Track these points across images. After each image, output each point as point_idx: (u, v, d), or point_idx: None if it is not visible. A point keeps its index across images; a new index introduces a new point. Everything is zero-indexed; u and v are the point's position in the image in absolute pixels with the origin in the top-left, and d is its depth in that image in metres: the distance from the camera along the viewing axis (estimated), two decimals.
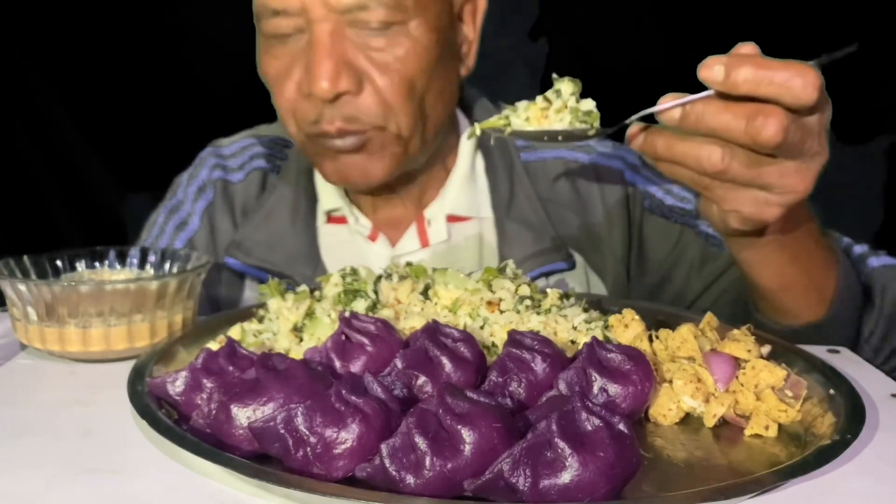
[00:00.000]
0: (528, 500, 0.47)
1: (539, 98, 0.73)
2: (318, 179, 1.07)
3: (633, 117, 0.70)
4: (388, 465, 0.48)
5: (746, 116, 0.63)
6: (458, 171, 1.05)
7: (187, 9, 2.14)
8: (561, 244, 1.04)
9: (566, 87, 0.72)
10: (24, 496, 0.50)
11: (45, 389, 0.69)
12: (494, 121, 0.75)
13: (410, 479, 0.48)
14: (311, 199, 1.06)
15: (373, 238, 1.05)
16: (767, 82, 0.62)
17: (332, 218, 1.07)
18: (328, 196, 1.05)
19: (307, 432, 0.50)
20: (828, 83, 0.64)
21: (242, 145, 1.14)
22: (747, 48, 0.66)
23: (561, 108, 0.72)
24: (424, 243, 1.04)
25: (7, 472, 0.53)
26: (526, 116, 0.73)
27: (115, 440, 0.58)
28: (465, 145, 1.06)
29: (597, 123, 0.71)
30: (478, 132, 0.75)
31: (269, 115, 1.18)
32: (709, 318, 0.73)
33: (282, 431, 0.51)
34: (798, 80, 0.62)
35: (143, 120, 2.20)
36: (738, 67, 0.62)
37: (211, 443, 0.53)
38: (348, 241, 1.06)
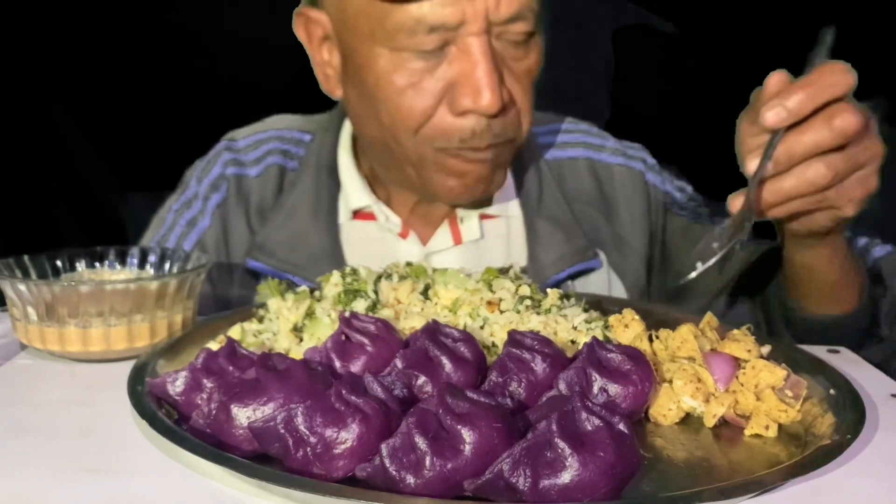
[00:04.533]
0: (528, 500, 0.47)
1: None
2: (344, 176, 1.05)
3: (724, 247, 0.72)
4: (388, 465, 0.48)
5: (826, 127, 0.70)
6: None
7: (188, 8, 2.14)
8: (589, 244, 1.05)
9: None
10: (24, 496, 0.50)
11: (45, 389, 0.69)
12: None
13: (410, 479, 0.48)
14: (333, 195, 1.04)
15: (403, 235, 1.04)
16: (819, 93, 0.70)
17: (357, 214, 1.05)
18: (356, 193, 1.03)
19: (307, 432, 0.50)
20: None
21: (258, 139, 1.11)
22: (777, 77, 0.73)
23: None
24: (457, 241, 1.04)
25: (7, 472, 0.53)
26: None
27: (115, 440, 0.58)
28: None
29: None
30: None
31: (270, 113, 1.19)
32: (709, 318, 0.73)
33: (282, 431, 0.51)
34: (835, 76, 0.70)
35: (144, 119, 2.20)
36: (789, 101, 0.70)
37: (211, 443, 0.53)
38: (377, 238, 1.04)
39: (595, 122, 1.19)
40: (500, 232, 1.05)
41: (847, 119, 0.70)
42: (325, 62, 0.97)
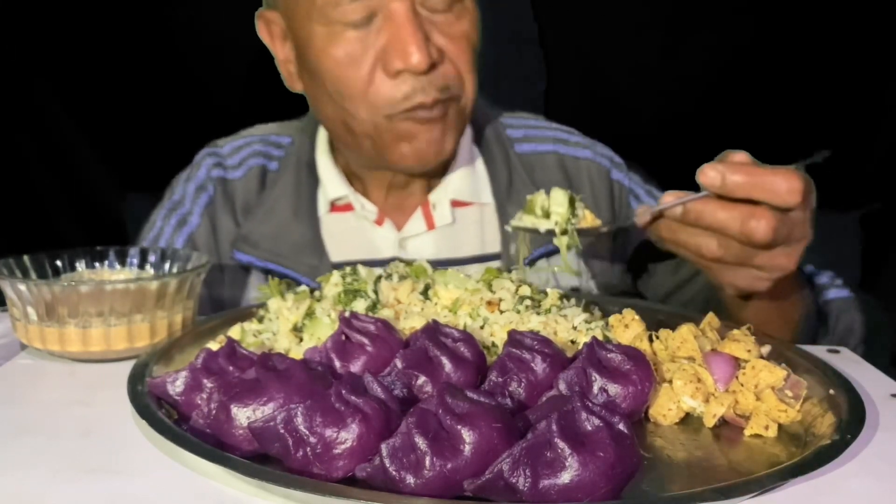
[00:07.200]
0: (528, 500, 0.47)
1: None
2: (322, 171, 1.10)
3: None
4: (388, 465, 0.48)
5: (741, 219, 0.72)
6: (461, 159, 1.10)
7: (187, 8, 2.14)
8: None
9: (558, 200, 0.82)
10: (24, 496, 0.50)
11: (45, 389, 0.69)
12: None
13: (410, 479, 0.48)
14: (312, 190, 1.09)
15: (379, 222, 1.09)
16: (759, 188, 0.71)
17: (335, 207, 1.10)
18: (333, 186, 1.08)
19: (307, 432, 0.50)
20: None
21: (239, 144, 1.16)
22: (739, 156, 0.75)
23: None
24: (430, 226, 1.08)
25: (7, 472, 0.53)
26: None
27: (115, 440, 0.58)
28: (465, 136, 1.11)
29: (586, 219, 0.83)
30: (509, 229, 0.88)
31: (269, 113, 1.20)
32: (710, 318, 0.73)
33: (282, 431, 0.51)
34: (784, 186, 0.70)
35: (143, 119, 2.20)
36: (732, 174, 0.71)
37: (211, 443, 0.53)
38: (354, 228, 1.09)
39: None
40: (474, 218, 1.10)
41: (760, 228, 0.71)
42: (287, 59, 1.03)
